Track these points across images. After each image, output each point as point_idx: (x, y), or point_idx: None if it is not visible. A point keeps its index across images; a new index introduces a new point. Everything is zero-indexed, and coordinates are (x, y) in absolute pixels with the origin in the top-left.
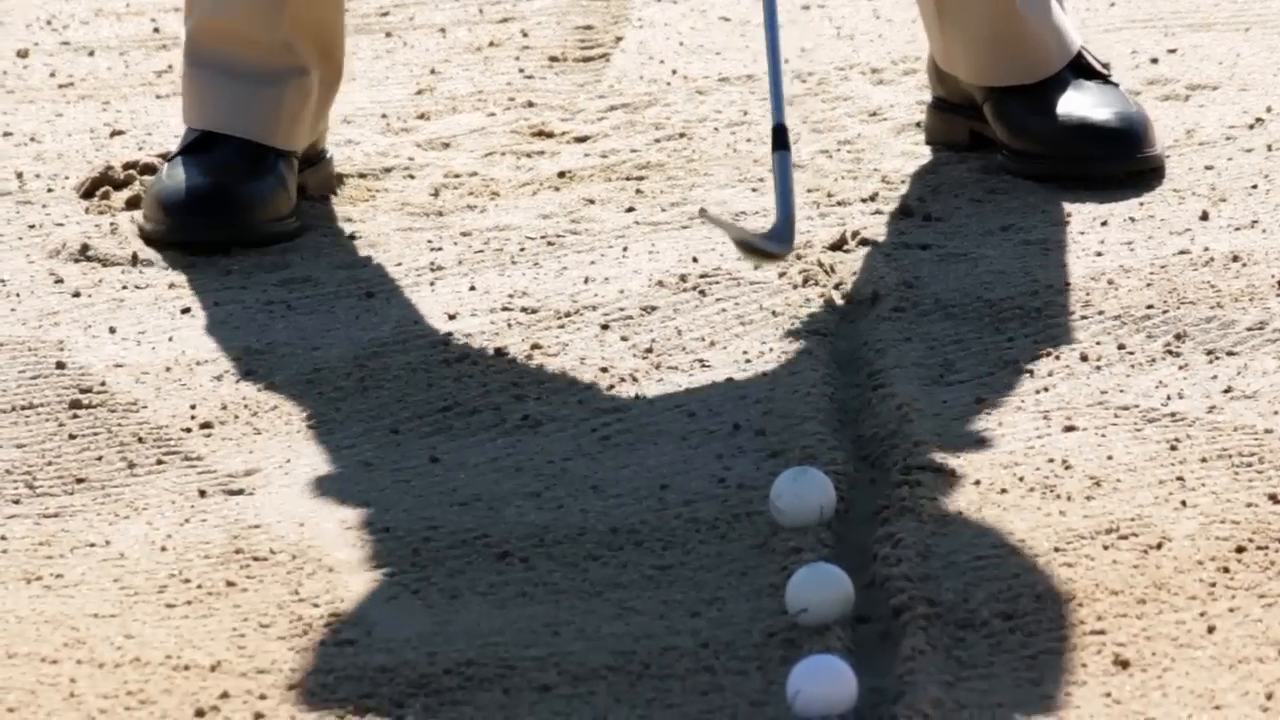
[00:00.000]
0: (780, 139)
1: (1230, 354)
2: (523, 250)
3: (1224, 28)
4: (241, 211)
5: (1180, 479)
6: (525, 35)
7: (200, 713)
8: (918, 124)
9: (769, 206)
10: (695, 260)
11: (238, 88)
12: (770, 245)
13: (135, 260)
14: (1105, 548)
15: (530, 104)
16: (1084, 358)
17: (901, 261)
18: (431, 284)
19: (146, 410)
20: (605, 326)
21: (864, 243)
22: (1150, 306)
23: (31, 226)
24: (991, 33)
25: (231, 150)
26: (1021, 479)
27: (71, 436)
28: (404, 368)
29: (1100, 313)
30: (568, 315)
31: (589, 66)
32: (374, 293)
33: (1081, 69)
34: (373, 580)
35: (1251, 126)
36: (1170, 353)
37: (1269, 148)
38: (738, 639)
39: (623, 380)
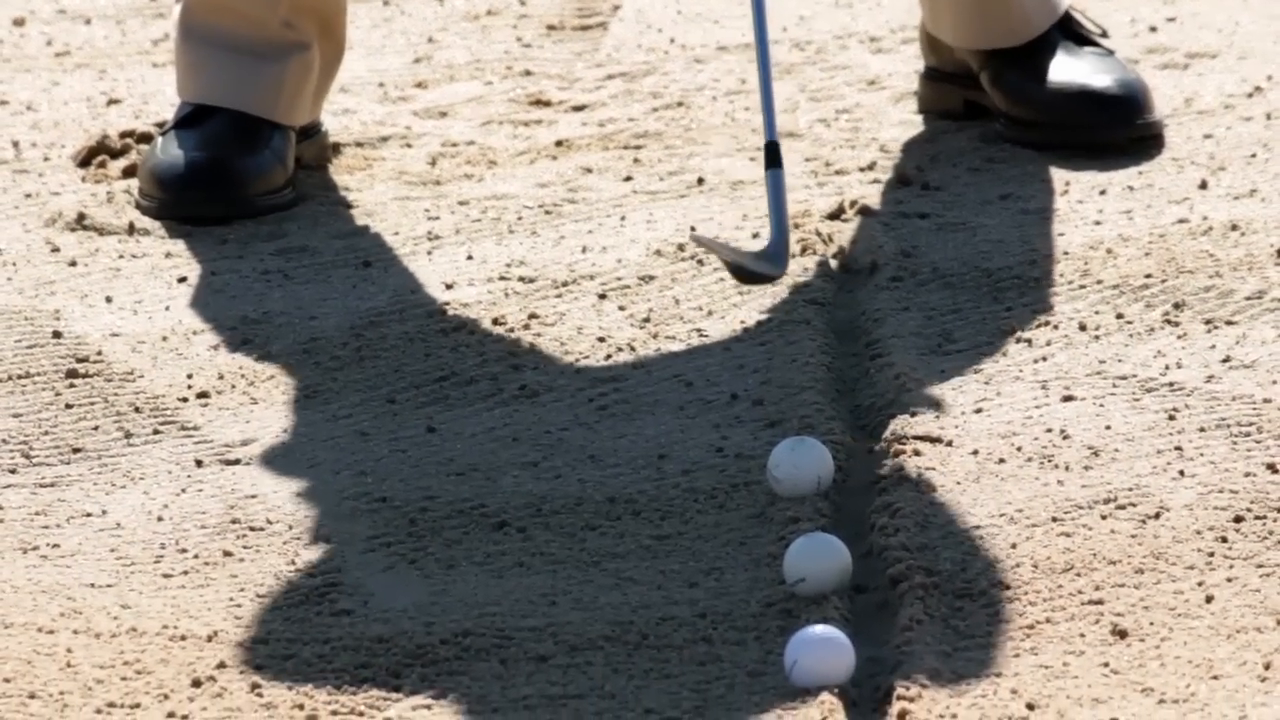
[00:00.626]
0: (773, 156)
1: (1229, 323)
2: (520, 219)
3: None
4: (238, 186)
5: (1178, 449)
6: (523, 4)
7: (197, 683)
8: (916, 93)
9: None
10: (693, 229)
11: (237, 62)
12: (763, 267)
13: (132, 229)
14: (1103, 517)
15: (528, 73)
16: (1082, 327)
17: (899, 231)
18: (429, 253)
19: (143, 380)
20: (603, 296)
21: (862, 212)
22: (1149, 276)
23: (28, 195)
24: None
25: (226, 124)
26: (1019, 449)
27: (68, 406)
28: (401, 337)
29: (1099, 282)
30: (565, 285)
31: (587, 35)
32: (371, 262)
33: (1076, 35)
34: (369, 550)
35: (1250, 95)
36: (1169, 322)
37: (1268, 116)
38: (735, 609)
39: (620, 350)
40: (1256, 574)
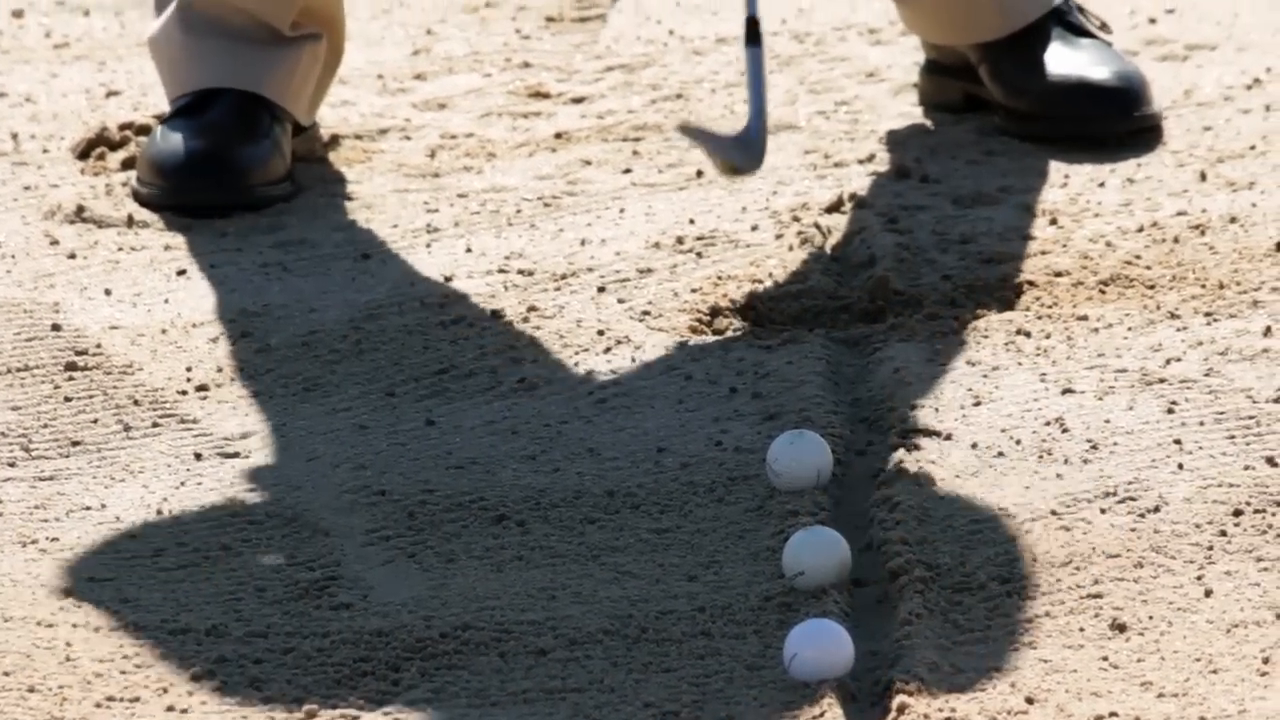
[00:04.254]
0: (753, 33)
1: (1229, 316)
2: (519, 212)
3: None
4: (239, 175)
5: (1177, 442)
6: None
7: (196, 677)
8: (915, 85)
9: (768, 168)
10: (692, 222)
11: (246, 48)
12: (737, 157)
13: (131, 222)
14: (1102, 511)
15: (527, 65)
16: (1081, 319)
17: (898, 223)
18: (428, 245)
19: (142, 373)
20: (602, 289)
21: (861, 204)
22: (1148, 268)
23: (27, 188)
24: None
25: (227, 112)
26: (1018, 442)
27: (67, 399)
28: (400, 330)
29: (1097, 275)
30: (564, 277)
31: (586, 27)
32: (370, 254)
33: (1074, 27)
34: (368, 544)
35: (1250, 87)
36: (1168, 315)
37: (1267, 108)
38: (734, 602)
39: (619, 343)
40: (1255, 568)
